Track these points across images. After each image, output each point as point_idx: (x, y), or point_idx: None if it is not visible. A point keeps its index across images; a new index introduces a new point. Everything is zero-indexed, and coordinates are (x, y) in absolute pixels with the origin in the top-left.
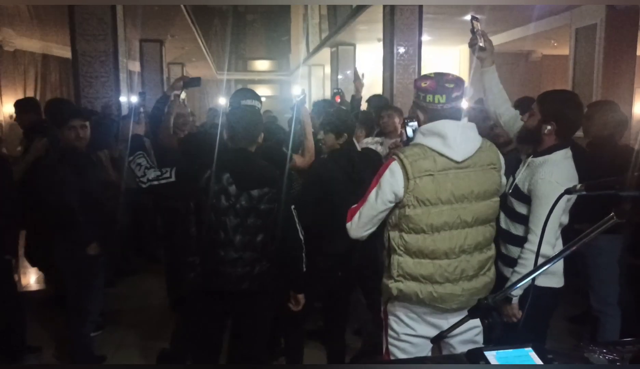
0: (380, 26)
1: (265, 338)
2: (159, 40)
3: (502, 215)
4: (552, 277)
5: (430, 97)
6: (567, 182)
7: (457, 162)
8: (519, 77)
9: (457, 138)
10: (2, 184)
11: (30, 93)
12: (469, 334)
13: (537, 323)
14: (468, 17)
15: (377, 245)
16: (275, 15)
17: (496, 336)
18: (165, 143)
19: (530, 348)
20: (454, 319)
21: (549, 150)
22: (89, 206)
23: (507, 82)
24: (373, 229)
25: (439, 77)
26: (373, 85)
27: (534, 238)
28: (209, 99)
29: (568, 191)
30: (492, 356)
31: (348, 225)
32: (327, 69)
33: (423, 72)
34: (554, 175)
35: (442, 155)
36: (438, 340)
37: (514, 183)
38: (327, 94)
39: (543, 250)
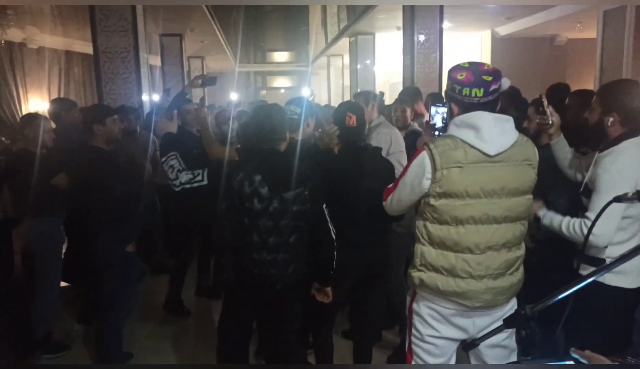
0: (399, 14)
1: (297, 332)
2: (178, 35)
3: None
4: (623, 277)
5: (466, 91)
6: (632, 172)
7: (489, 156)
8: (544, 62)
9: (492, 131)
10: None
11: (54, 90)
12: (497, 338)
13: (607, 325)
14: (490, 3)
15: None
16: (294, 6)
17: (534, 349)
18: (214, 153)
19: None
20: (480, 320)
21: (615, 141)
22: (133, 204)
23: (532, 67)
24: (407, 210)
25: (475, 67)
26: (393, 74)
27: (588, 224)
28: (228, 93)
29: (617, 199)
30: None
31: (384, 204)
32: (346, 59)
33: (445, 60)
34: (616, 164)
35: (473, 147)
36: (470, 348)
37: (584, 182)
38: (346, 84)
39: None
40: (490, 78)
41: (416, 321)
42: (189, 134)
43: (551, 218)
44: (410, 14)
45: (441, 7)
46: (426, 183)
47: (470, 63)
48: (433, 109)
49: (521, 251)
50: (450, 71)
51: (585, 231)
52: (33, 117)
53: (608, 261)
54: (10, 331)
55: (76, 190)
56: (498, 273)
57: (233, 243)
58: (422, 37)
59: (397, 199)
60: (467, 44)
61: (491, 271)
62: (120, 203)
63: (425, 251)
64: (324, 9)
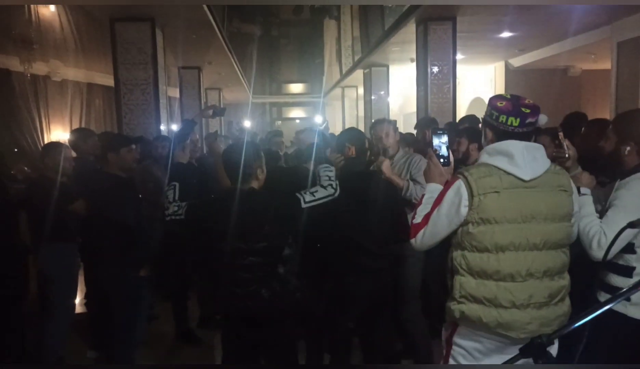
0: (413, 46)
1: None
2: (197, 67)
3: None
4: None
5: (503, 118)
6: None
7: (524, 181)
8: (558, 93)
9: (525, 158)
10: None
11: (76, 122)
12: None
13: (629, 359)
14: (503, 35)
15: (417, 265)
16: (309, 38)
17: None
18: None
19: None
20: None
21: (635, 169)
22: (145, 230)
23: (546, 98)
24: (437, 243)
25: (515, 99)
26: (407, 105)
27: (602, 239)
28: (244, 123)
29: (632, 225)
30: None
31: (412, 241)
32: (360, 90)
33: (458, 91)
34: (638, 188)
35: (508, 173)
36: None
37: (606, 211)
38: (361, 115)
39: (595, 252)
40: (528, 111)
41: (457, 354)
42: (189, 164)
43: (585, 204)
44: (424, 46)
45: (454, 39)
46: (464, 211)
47: (512, 95)
48: (435, 139)
49: (565, 281)
50: (491, 99)
51: (596, 241)
52: (54, 146)
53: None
54: (23, 356)
55: (90, 215)
56: (542, 303)
57: (209, 280)
58: (435, 69)
59: (432, 232)
60: (481, 76)
61: (534, 301)
62: (130, 228)
63: (464, 282)
64: (338, 41)
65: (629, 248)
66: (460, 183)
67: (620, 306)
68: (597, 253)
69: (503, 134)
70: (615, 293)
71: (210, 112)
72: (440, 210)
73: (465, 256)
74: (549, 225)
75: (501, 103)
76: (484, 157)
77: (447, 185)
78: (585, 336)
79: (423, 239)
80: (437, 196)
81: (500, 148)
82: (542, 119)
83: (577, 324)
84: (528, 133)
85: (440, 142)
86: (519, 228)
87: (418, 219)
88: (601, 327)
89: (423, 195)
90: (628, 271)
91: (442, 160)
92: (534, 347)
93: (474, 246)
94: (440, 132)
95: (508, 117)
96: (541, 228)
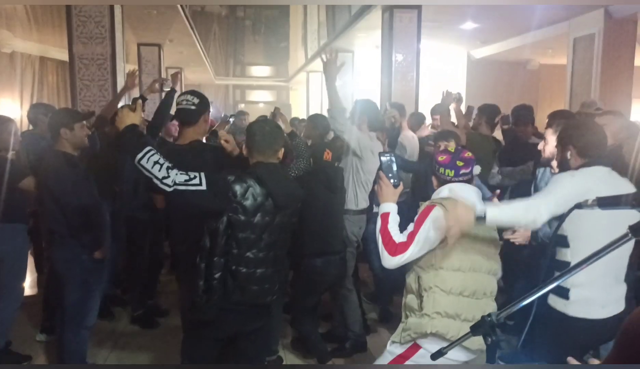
0: (378, 33)
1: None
2: (157, 45)
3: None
4: (587, 306)
5: (442, 170)
6: (583, 187)
7: (480, 217)
8: (517, 85)
9: (477, 199)
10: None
11: (27, 96)
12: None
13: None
14: (466, 26)
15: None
16: (274, 21)
17: (499, 354)
18: None
19: None
20: None
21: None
22: (98, 211)
23: (505, 90)
24: None
25: (456, 153)
26: (371, 92)
27: (533, 201)
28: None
29: (578, 206)
30: None
31: (397, 258)
32: None
33: (422, 80)
34: (574, 176)
35: None
36: (438, 357)
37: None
38: (325, 100)
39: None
40: (462, 164)
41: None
42: None
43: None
44: (389, 33)
45: (419, 27)
46: (441, 234)
47: (456, 149)
48: (385, 161)
49: (495, 305)
50: (437, 152)
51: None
52: (1, 120)
53: (573, 290)
54: None
55: (40, 195)
56: None
57: (225, 260)
58: (400, 57)
59: (419, 250)
60: (445, 65)
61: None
62: (82, 209)
63: (438, 299)
64: (304, 25)
65: (563, 242)
66: (438, 210)
67: (560, 305)
68: (532, 221)
69: (444, 181)
70: (557, 290)
71: (157, 85)
72: (424, 229)
73: (440, 274)
74: (494, 254)
75: (442, 158)
76: (445, 192)
77: (424, 210)
78: (531, 314)
79: (409, 256)
80: (416, 218)
81: (460, 188)
82: (476, 169)
83: (522, 304)
84: (467, 181)
85: (390, 164)
86: (481, 252)
87: (401, 238)
88: (543, 325)
89: (386, 214)
90: (564, 267)
91: (392, 181)
92: (484, 325)
93: (449, 265)
94: (388, 154)
95: (445, 169)
96: (491, 255)
